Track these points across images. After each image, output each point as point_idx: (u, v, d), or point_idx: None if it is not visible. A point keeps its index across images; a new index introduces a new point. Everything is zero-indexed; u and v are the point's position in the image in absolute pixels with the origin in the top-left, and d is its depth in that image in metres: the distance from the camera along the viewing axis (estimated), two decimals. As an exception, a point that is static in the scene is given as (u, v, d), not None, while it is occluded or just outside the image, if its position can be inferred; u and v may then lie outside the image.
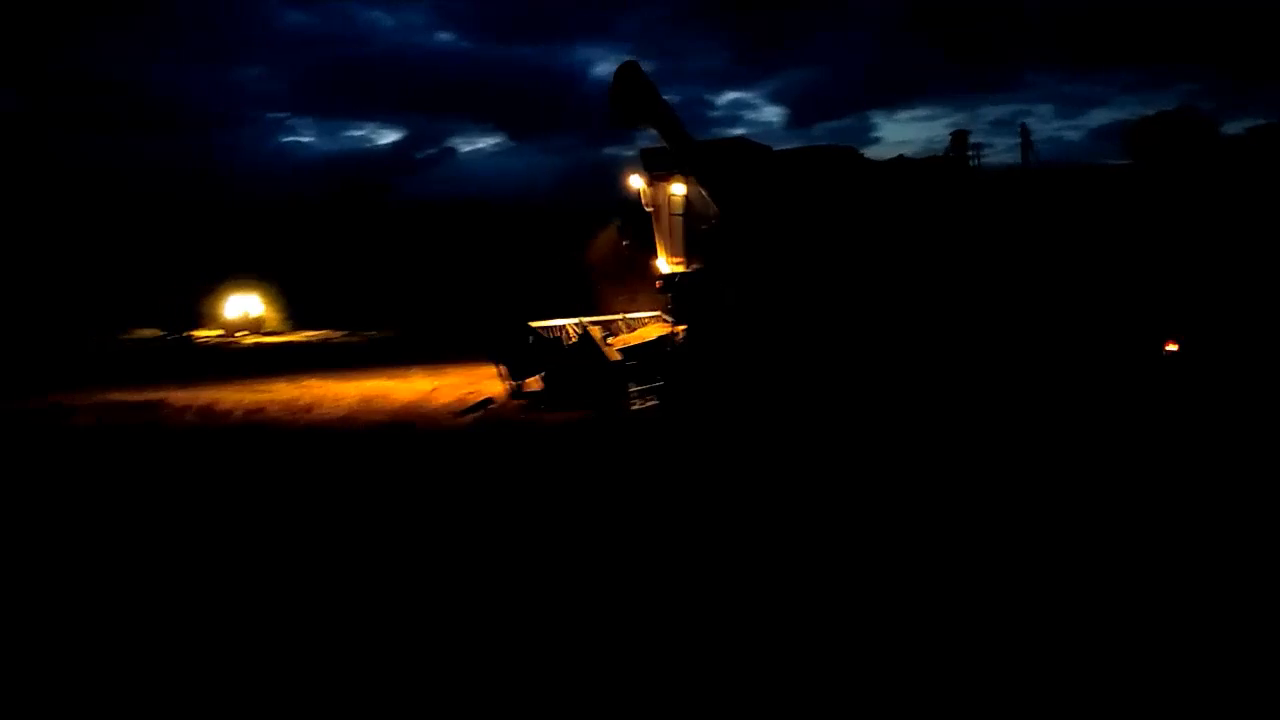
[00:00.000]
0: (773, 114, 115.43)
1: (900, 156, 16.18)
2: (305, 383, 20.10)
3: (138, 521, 8.96)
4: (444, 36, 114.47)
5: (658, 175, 16.68)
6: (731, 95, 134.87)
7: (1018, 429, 10.95)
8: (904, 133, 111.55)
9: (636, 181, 17.00)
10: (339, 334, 36.03)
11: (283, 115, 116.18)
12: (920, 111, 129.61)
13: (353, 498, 9.80)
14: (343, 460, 12.06)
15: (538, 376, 15.63)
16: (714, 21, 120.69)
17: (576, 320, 15.86)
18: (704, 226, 15.43)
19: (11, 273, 38.20)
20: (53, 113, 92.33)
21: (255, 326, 38.70)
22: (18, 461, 12.40)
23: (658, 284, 16.31)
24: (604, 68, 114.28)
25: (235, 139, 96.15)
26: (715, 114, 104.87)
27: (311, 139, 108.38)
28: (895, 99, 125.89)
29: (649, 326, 16.24)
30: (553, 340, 15.22)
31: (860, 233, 14.11)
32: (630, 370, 14.86)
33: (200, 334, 36.75)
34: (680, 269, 16.22)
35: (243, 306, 39.35)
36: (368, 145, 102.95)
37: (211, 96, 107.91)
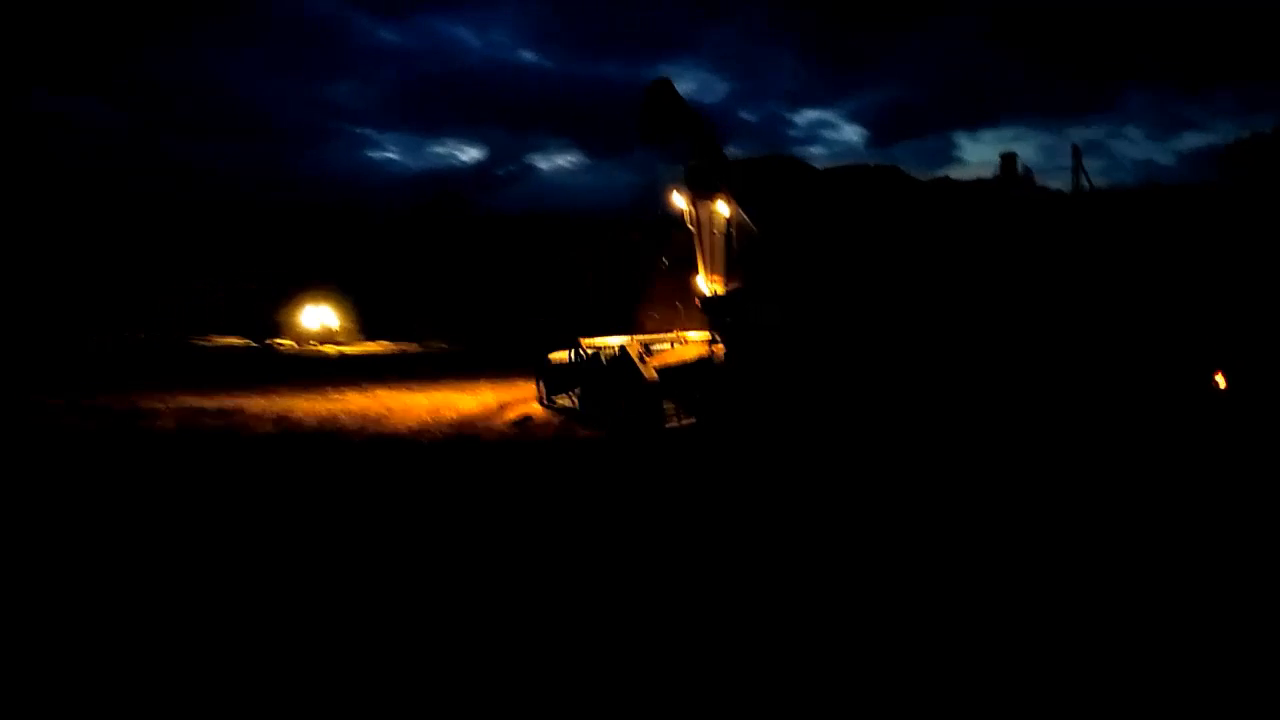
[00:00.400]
0: (852, 133, 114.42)
1: (945, 177, 15.99)
2: (376, 393, 20.41)
3: (212, 526, 9.18)
4: (527, 55, 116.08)
5: (700, 194, 16.65)
6: (812, 114, 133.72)
7: (1058, 462, 10.74)
8: (986, 153, 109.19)
9: (679, 200, 17.01)
10: (412, 346, 36.69)
11: (369, 130, 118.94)
12: (1005, 131, 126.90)
13: (396, 509, 10.01)
14: (395, 473, 12.30)
15: (573, 393, 15.71)
16: (795, 40, 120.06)
17: (619, 339, 15.92)
18: (742, 246, 15.33)
19: (101, 276, 39.79)
20: (152, 122, 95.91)
21: (329, 337, 39.69)
22: (94, 462, 12.68)
23: (697, 303, 16.30)
24: (684, 86, 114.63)
25: (323, 153, 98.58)
26: (795, 133, 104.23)
27: (396, 155, 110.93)
28: (979, 118, 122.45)
29: (689, 346, 16.19)
30: (590, 357, 15.27)
31: (899, 254, 13.93)
32: (666, 389, 14.85)
33: (282, 342, 37.64)
34: (720, 288, 16.17)
35: (319, 317, 40.49)
36: (451, 162, 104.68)
37: (303, 111, 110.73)
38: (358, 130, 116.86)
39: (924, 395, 13.02)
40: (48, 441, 14.34)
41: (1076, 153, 15.38)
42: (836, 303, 13.88)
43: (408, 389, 21.19)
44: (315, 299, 40.84)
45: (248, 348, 36.09)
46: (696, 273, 16.45)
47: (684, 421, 15.09)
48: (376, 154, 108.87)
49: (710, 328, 15.60)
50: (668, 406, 14.96)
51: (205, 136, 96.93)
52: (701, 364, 15.71)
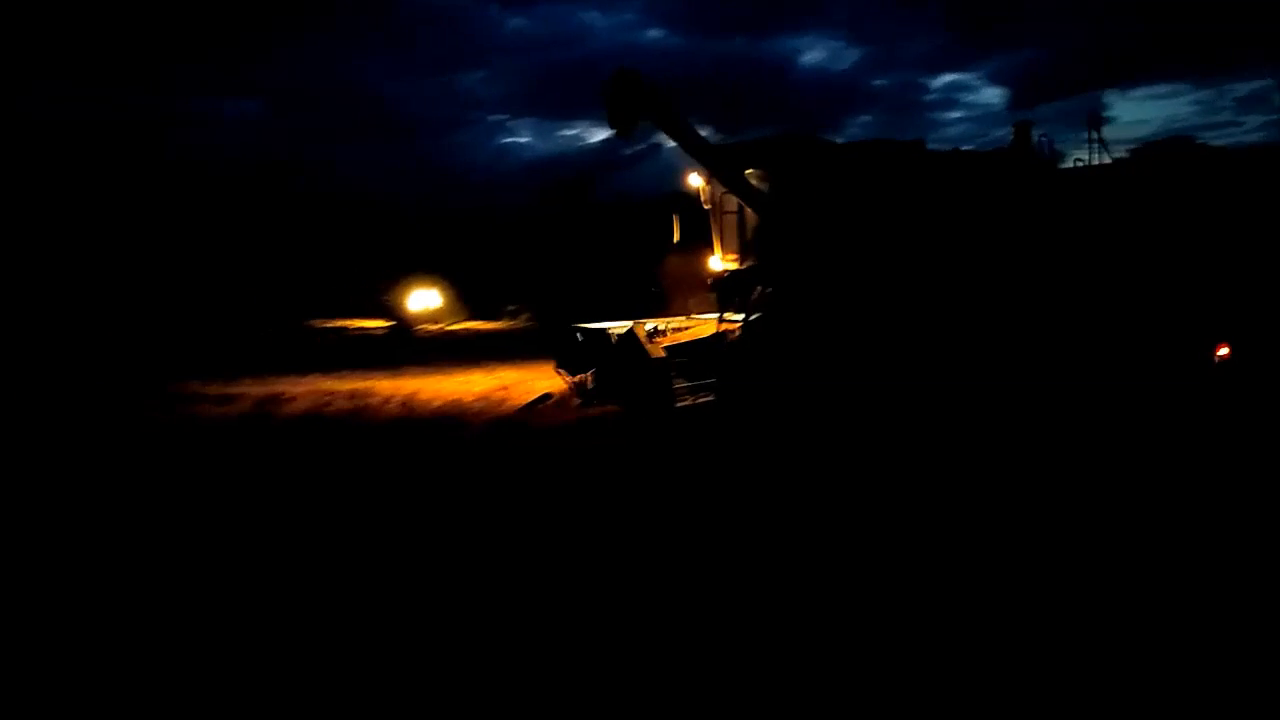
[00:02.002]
0: (993, 95, 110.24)
1: (956, 150, 15.68)
2: (499, 371, 21.37)
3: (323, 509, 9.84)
4: (654, 33, 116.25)
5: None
6: (948, 78, 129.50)
7: (1059, 435, 10.61)
8: (1140, 111, 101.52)
9: (695, 179, 17.11)
10: (515, 324, 38.28)
11: (502, 117, 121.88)
12: (1160, 89, 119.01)
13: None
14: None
15: (590, 373, 16.03)
16: (930, 1, 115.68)
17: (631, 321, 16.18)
18: (752, 225, 15.37)
19: (251, 268, 42.59)
20: (295, 121, 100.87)
21: (449, 316, 41.05)
22: (225, 446, 13.64)
23: (709, 281, 16.42)
24: (813, 55, 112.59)
25: (458, 143, 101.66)
26: (931, 97, 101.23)
27: (528, 139, 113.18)
28: (1131, 75, 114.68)
29: (702, 324, 16.32)
30: (601, 338, 15.55)
31: (897, 229, 13.81)
32: (675, 366, 15.04)
33: (427, 325, 39.37)
34: (734, 266, 16.25)
35: (428, 300, 41.98)
36: (580, 144, 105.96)
37: (439, 104, 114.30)
38: (491, 118, 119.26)
39: (917, 368, 12.96)
40: (190, 427, 15.45)
41: (1093, 120, 14.93)
42: (833, 280, 13.85)
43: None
44: (427, 283, 42.67)
45: (377, 330, 38.01)
46: (711, 252, 16.58)
47: (700, 399, 15.30)
48: (509, 140, 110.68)
49: (719, 306, 15.71)
50: (681, 384, 15.19)
51: (347, 134, 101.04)
52: (714, 341, 15.84)
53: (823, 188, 14.58)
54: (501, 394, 18.22)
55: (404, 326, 38.15)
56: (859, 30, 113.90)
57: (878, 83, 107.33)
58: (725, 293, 15.71)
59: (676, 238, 16.88)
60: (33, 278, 36.92)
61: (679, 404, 14.93)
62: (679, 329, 16.80)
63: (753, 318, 15.68)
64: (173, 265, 42.56)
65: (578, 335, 16.13)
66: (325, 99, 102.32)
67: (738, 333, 15.62)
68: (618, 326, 15.49)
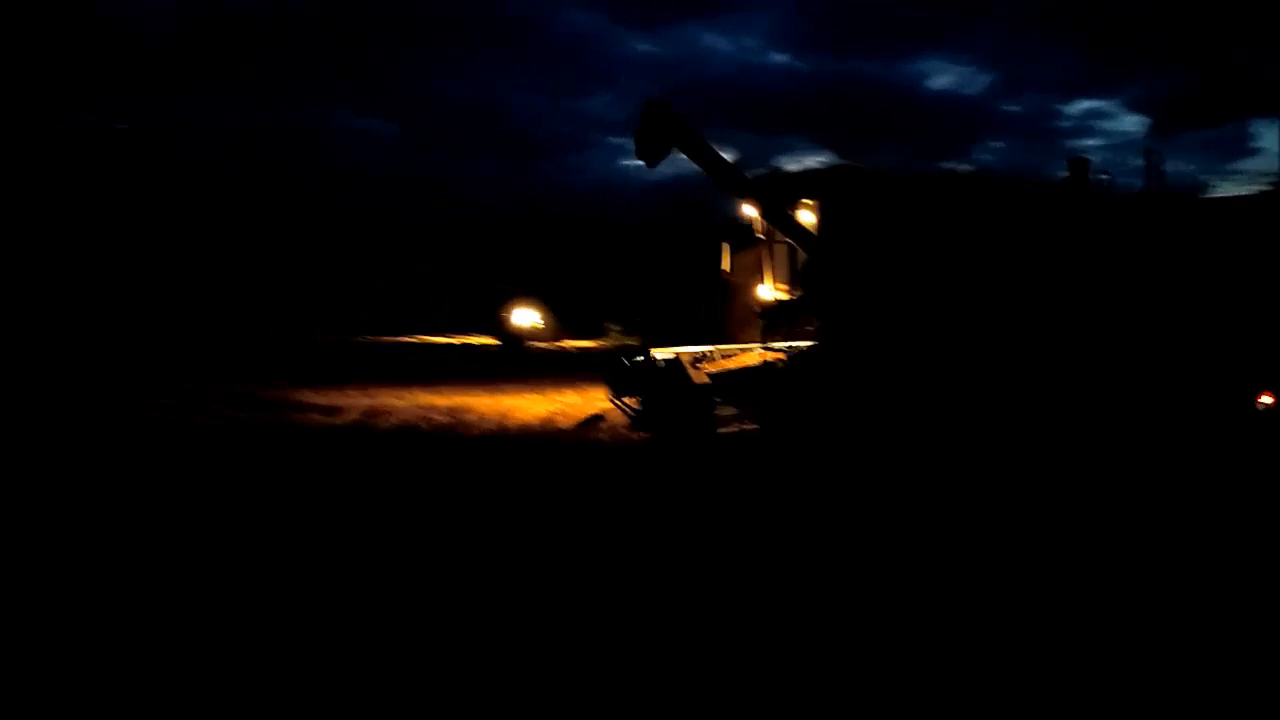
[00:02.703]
0: (1132, 123, 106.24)
1: (1022, 179, 15.52)
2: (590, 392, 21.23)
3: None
4: (778, 57, 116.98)
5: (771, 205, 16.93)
6: (1085, 104, 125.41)
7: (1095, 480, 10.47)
8: None
9: (749, 208, 17.35)
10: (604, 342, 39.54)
11: (623, 140, 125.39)
12: None
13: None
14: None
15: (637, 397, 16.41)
16: (1066, 26, 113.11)
17: (692, 348, 16.51)
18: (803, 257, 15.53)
19: (374, 282, 45.39)
20: (429, 141, 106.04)
21: (535, 334, 42.35)
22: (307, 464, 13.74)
23: (757, 310, 16.61)
24: (942, 79, 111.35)
25: (579, 163, 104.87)
26: (1065, 124, 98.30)
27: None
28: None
29: (750, 353, 16.52)
30: (648, 363, 15.91)
31: (950, 261, 13.77)
32: (724, 394, 15.29)
33: (536, 342, 41.22)
34: (784, 296, 16.41)
35: (529, 318, 43.47)
36: (695, 168, 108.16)
37: (563, 124, 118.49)
38: (611, 140, 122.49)
39: (954, 404, 12.91)
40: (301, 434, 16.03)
41: (1148, 155, 14.53)
42: (878, 313, 13.89)
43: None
44: (531, 302, 44.05)
45: (488, 347, 39.50)
46: (761, 281, 16.78)
47: (745, 427, 15.51)
48: (630, 162, 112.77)
49: (764, 335, 15.89)
50: (726, 411, 15.43)
51: (475, 154, 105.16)
52: (764, 370, 16.03)
53: (869, 219, 14.67)
54: (577, 411, 18.69)
55: (514, 343, 39.69)
56: (991, 54, 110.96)
57: (1009, 108, 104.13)
58: (772, 322, 15.90)
59: (726, 266, 17.16)
60: (166, 281, 39.68)
61: (721, 430, 15.23)
62: (728, 355, 17.07)
63: (800, 348, 15.88)
64: (296, 275, 45.03)
65: (625, 361, 16.54)
66: (457, 119, 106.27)
67: (782, 363, 15.82)
68: (666, 352, 15.85)
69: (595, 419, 17.72)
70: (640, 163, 14.03)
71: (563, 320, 42.66)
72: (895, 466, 11.91)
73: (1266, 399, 11.02)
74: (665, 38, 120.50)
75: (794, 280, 16.21)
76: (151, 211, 42.90)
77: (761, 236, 17.07)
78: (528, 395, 21.83)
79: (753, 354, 16.62)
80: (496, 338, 40.68)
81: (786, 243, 16.42)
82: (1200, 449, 10.62)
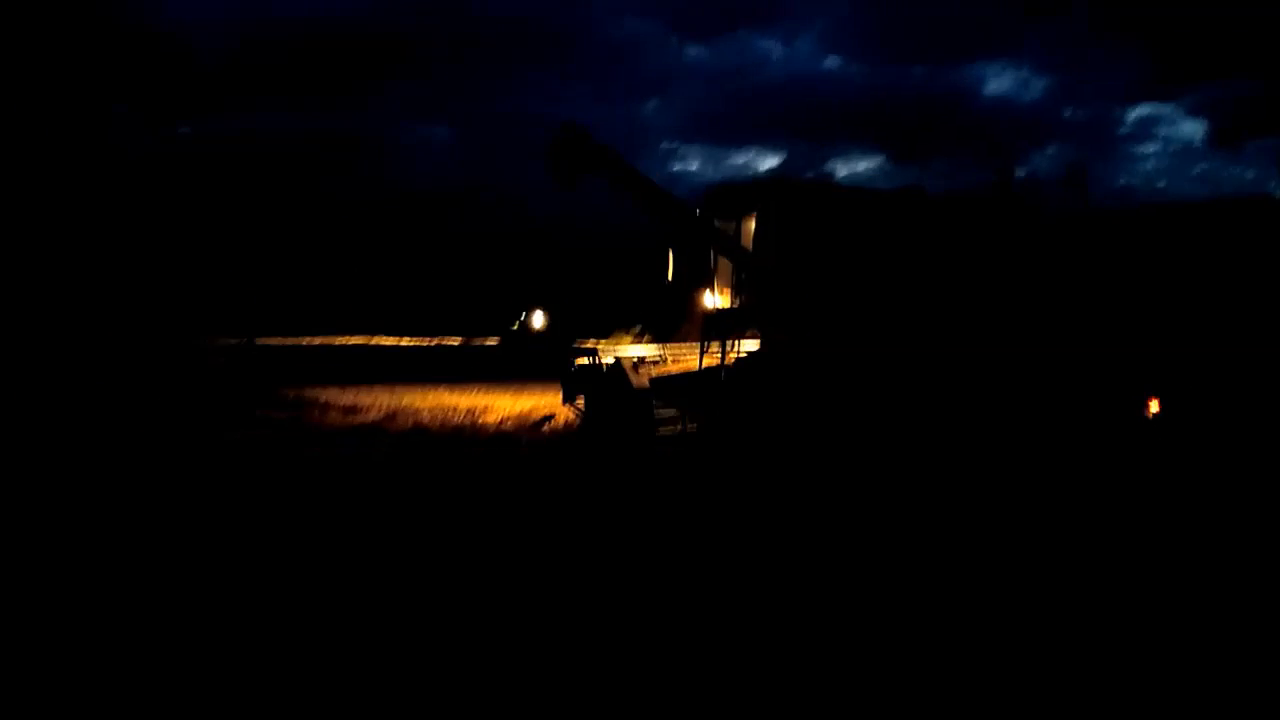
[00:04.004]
0: (1192, 130, 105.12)
1: (953, 195, 16.13)
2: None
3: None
4: (832, 62, 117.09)
5: (720, 214, 17.55)
6: (1144, 110, 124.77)
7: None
8: None
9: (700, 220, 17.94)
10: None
11: (674, 145, 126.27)
12: None
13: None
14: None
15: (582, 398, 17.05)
16: (1125, 31, 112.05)
17: (635, 349, 17.10)
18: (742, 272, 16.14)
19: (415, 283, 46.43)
20: (482, 149, 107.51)
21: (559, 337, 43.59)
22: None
23: (701, 318, 17.19)
24: (997, 84, 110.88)
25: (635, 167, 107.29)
26: (1124, 130, 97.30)
27: (696, 166, 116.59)
28: None
29: (693, 358, 17.11)
30: (592, 366, 16.54)
31: (876, 272, 14.42)
32: (661, 397, 15.91)
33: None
34: (727, 304, 17.01)
35: (539, 320, 44.49)
36: (749, 171, 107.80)
37: (617, 130, 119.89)
38: (664, 145, 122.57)
39: (889, 407, 13.52)
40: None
41: (1076, 170, 15.13)
42: (810, 320, 14.52)
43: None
44: (537, 307, 45.34)
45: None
46: (707, 288, 17.37)
47: (685, 428, 16.13)
48: (679, 166, 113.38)
49: (703, 339, 16.48)
50: (667, 413, 16.04)
51: (525, 160, 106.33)
52: (704, 375, 16.63)
53: (802, 232, 15.31)
54: (541, 410, 19.51)
55: (518, 345, 40.42)
56: (1049, 60, 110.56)
57: (1067, 115, 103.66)
58: (716, 328, 16.49)
59: (671, 275, 17.77)
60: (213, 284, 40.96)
61: (661, 431, 15.84)
62: (678, 358, 17.68)
63: (742, 354, 16.50)
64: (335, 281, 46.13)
65: (574, 361, 17.18)
66: (508, 126, 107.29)
67: (722, 368, 16.43)
68: (609, 355, 16.47)
69: (546, 419, 18.39)
70: (693, 166, 14.63)
71: (574, 323, 43.58)
72: (817, 461, 12.52)
73: (1153, 405, 11.59)
74: (717, 44, 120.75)
75: (736, 289, 16.82)
76: (202, 218, 44.09)
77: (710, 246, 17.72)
78: (505, 395, 23.48)
79: (694, 358, 17.29)
80: (504, 339, 41.59)
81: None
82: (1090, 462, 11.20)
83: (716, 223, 17.70)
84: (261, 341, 35.68)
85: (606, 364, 16.21)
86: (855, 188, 16.85)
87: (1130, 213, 15.30)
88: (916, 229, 15.02)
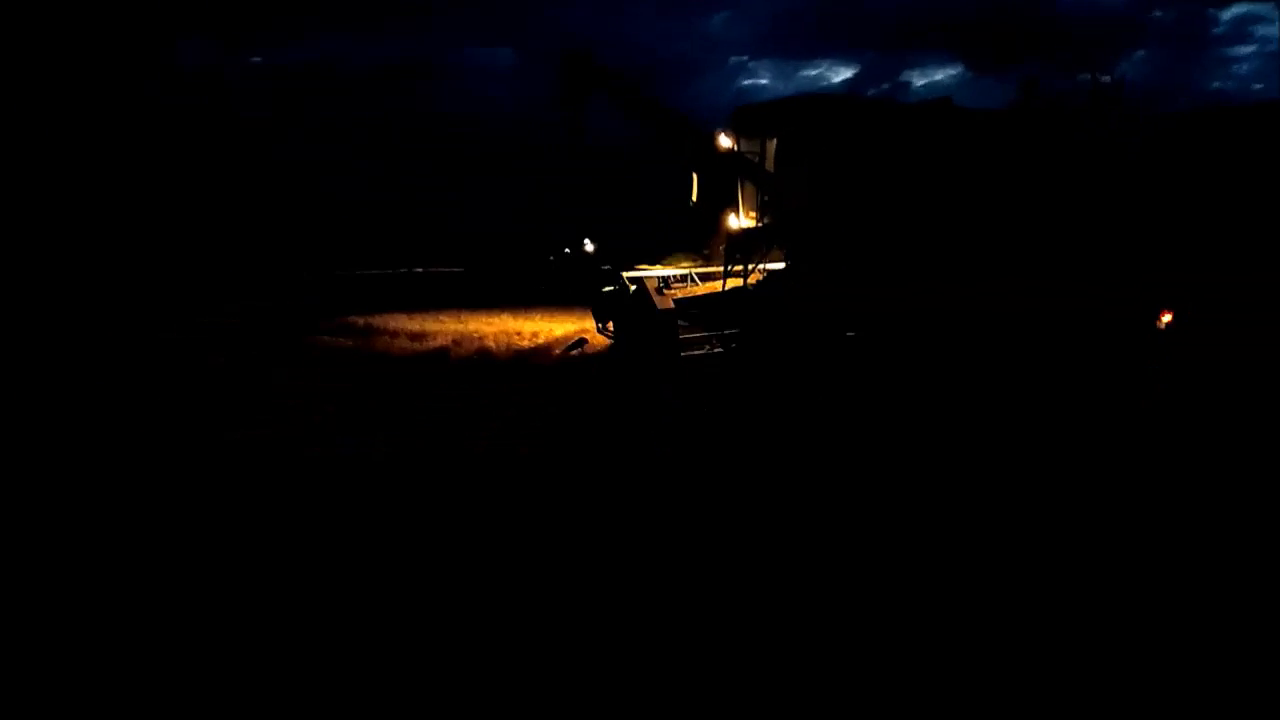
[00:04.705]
0: None
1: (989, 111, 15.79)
2: None
3: None
4: None
5: (745, 135, 17.47)
6: (1239, 9, 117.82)
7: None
8: None
9: (725, 140, 17.88)
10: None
11: (743, 59, 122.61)
12: None
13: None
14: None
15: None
16: None
17: (661, 270, 17.34)
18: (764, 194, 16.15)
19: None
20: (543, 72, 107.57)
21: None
22: None
23: (725, 239, 17.27)
24: None
25: (701, 86, 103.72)
26: (1219, 30, 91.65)
27: (768, 81, 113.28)
28: None
29: (722, 279, 17.28)
30: (618, 290, 16.82)
31: (904, 187, 14.34)
32: (688, 318, 16.20)
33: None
34: (752, 225, 17.05)
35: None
36: (822, 84, 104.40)
37: (684, 46, 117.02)
38: (732, 59, 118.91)
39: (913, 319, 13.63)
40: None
41: (1094, 81, 14.62)
42: (836, 238, 14.57)
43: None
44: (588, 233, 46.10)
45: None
46: (731, 210, 17.41)
47: (713, 349, 16.43)
48: (749, 81, 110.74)
49: (727, 260, 16.62)
50: (694, 334, 16.33)
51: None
52: (728, 296, 16.82)
53: (824, 151, 15.23)
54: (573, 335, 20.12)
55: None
56: None
57: (1157, 14, 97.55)
58: (736, 249, 16.61)
59: (695, 197, 17.82)
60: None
61: (688, 352, 16.16)
62: (707, 277, 17.86)
63: (767, 273, 16.64)
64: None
65: (605, 286, 17.47)
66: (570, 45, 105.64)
67: (746, 289, 16.58)
68: (634, 278, 16.73)
69: (579, 344, 18.86)
70: (764, 81, 14.77)
71: (624, 248, 43.98)
72: (836, 392, 12.76)
73: (1166, 318, 11.47)
74: None
75: (761, 210, 16.85)
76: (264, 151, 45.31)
77: (735, 167, 17.70)
78: (561, 318, 24.12)
79: (719, 279, 17.48)
80: (559, 264, 42.35)
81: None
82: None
83: (742, 143, 17.68)
84: (338, 273, 36.98)
85: (632, 288, 16.50)
86: (879, 101, 16.55)
87: (1172, 119, 14.82)
88: (941, 145, 14.81)
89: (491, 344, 20.05)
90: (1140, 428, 10.30)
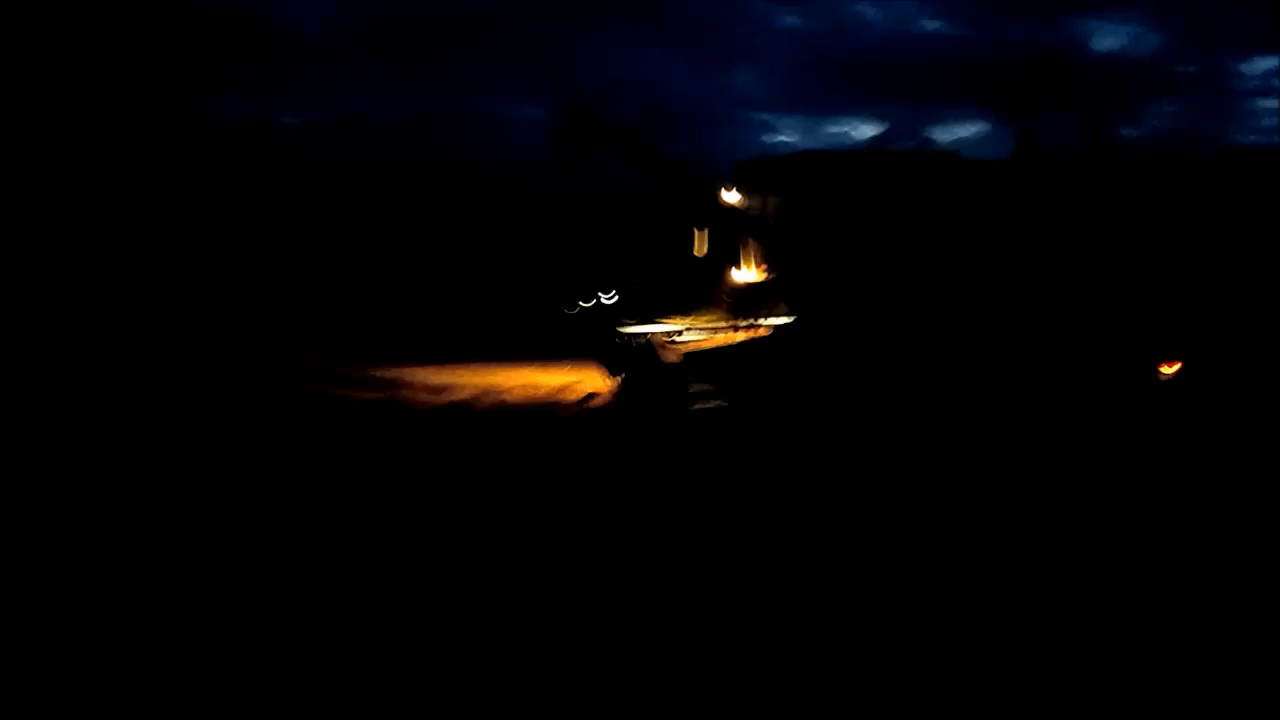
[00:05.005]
0: None
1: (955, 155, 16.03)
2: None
3: None
4: (930, 24, 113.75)
5: (747, 189, 17.78)
6: (1267, 62, 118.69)
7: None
8: None
9: (729, 196, 18.20)
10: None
11: (768, 115, 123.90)
12: None
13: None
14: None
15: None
16: None
17: (672, 324, 17.54)
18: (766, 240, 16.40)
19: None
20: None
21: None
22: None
23: (729, 293, 17.47)
24: (1108, 40, 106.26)
25: (723, 140, 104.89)
26: (1243, 85, 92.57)
27: (790, 137, 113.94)
28: None
29: (724, 333, 17.45)
30: (625, 343, 17.01)
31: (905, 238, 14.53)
32: (694, 371, 16.31)
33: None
34: (758, 279, 17.28)
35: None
36: (844, 140, 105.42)
37: (707, 101, 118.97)
38: (756, 116, 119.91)
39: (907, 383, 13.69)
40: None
41: (1091, 122, 14.85)
42: (830, 289, 14.73)
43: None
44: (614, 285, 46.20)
45: None
46: (736, 265, 17.64)
47: (719, 404, 16.51)
48: (770, 138, 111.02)
49: (731, 314, 16.80)
50: (701, 388, 16.43)
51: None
52: (735, 350, 16.96)
53: (822, 204, 15.48)
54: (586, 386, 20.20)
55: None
56: (1162, 13, 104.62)
57: (1181, 69, 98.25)
58: (741, 304, 16.80)
59: (700, 250, 18.06)
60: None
61: (694, 407, 16.25)
62: (717, 330, 18.03)
63: (772, 327, 16.80)
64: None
65: (615, 340, 17.65)
66: (601, 101, 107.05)
67: (751, 342, 16.73)
68: (637, 332, 16.92)
69: (590, 396, 18.95)
70: (788, 138, 15.04)
71: (645, 301, 44.23)
72: (849, 438, 12.78)
73: (1167, 369, 11.45)
74: (812, 8, 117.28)
75: (763, 264, 17.08)
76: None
77: (738, 221, 17.98)
78: (558, 370, 23.98)
79: (726, 334, 17.63)
80: (580, 316, 42.62)
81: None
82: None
83: (744, 198, 17.98)
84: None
85: (637, 342, 16.68)
86: (881, 153, 16.80)
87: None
88: (939, 190, 15.04)
89: (509, 398, 20.09)
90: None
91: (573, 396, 20.02)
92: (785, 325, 16.59)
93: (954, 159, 16.91)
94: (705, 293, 18.08)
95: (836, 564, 7.61)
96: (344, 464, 12.21)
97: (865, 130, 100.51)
